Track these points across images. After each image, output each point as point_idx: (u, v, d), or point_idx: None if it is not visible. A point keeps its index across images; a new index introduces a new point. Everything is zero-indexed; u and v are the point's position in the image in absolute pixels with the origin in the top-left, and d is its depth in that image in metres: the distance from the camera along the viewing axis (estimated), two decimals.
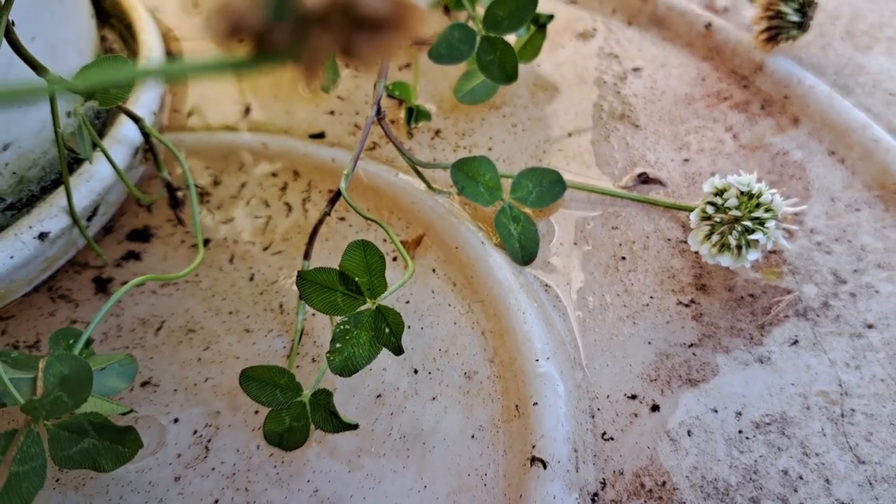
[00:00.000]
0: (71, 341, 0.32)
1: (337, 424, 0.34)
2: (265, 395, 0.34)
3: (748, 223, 0.35)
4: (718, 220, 0.36)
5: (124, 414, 0.32)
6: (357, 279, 0.31)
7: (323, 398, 0.34)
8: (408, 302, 0.40)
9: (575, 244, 0.42)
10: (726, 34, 0.49)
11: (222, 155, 0.46)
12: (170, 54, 0.52)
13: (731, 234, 0.36)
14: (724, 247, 0.36)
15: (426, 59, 0.51)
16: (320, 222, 0.38)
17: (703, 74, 0.49)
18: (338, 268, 0.31)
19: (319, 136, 0.47)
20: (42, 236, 0.37)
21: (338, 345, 0.32)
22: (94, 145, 0.38)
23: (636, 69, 0.50)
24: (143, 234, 0.43)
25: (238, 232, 0.43)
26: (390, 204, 0.44)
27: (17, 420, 0.28)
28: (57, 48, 0.38)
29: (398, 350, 0.31)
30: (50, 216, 0.37)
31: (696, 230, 0.37)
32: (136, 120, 0.39)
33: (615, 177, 0.44)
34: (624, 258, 0.41)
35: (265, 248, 0.42)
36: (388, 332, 0.32)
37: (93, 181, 0.39)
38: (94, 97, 0.34)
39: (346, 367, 0.32)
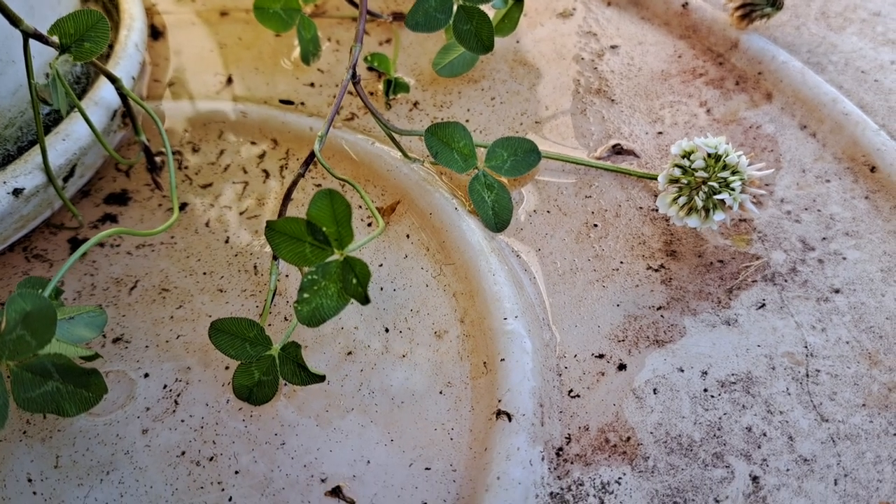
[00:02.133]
0: (39, 290, 0.32)
1: (305, 377, 0.34)
2: (234, 348, 0.34)
3: (714, 184, 0.36)
4: (686, 182, 0.37)
5: (89, 359, 0.32)
6: (324, 229, 0.32)
7: (292, 351, 0.34)
8: (381, 265, 0.40)
9: (548, 212, 0.42)
10: (702, 13, 0.50)
11: (202, 123, 0.47)
12: (153, 27, 0.52)
13: (698, 195, 0.36)
14: (691, 209, 0.37)
15: (406, 34, 0.52)
16: (294, 184, 0.39)
17: (680, 52, 0.49)
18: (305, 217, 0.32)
19: (288, 102, 0.47)
20: (16, 192, 0.37)
21: (306, 295, 0.32)
22: (72, 106, 0.38)
23: (614, 47, 0.50)
24: (120, 198, 0.43)
25: (215, 197, 0.43)
26: (367, 172, 0.44)
27: None
28: (36, 8, 0.39)
29: (365, 300, 0.32)
30: (25, 172, 0.38)
31: (664, 193, 0.38)
32: (113, 80, 0.39)
33: (590, 148, 0.45)
34: (596, 225, 0.41)
35: (241, 213, 0.43)
36: (355, 282, 0.32)
37: (69, 140, 0.39)
38: (68, 51, 0.34)
39: (314, 318, 0.32)
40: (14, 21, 0.32)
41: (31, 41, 0.33)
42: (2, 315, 0.28)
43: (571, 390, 0.35)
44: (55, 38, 0.34)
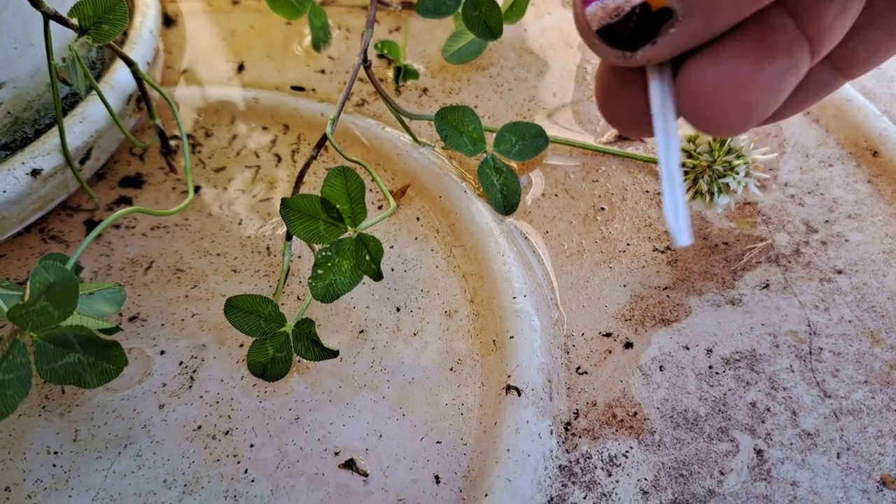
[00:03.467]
0: (60, 265, 0.33)
1: (319, 353, 0.35)
2: (249, 325, 0.35)
3: (719, 168, 0.37)
4: (692, 166, 0.38)
5: (110, 332, 0.33)
6: (338, 206, 0.32)
7: (306, 327, 0.35)
8: (392, 247, 0.41)
9: (556, 195, 0.43)
10: None
11: (215, 109, 0.47)
12: (166, 15, 0.53)
13: (703, 179, 0.37)
14: (696, 193, 0.37)
15: (416, 22, 0.52)
16: (307, 166, 0.39)
17: None
18: (319, 194, 0.32)
19: (299, 89, 0.48)
20: (34, 173, 0.38)
21: (320, 271, 0.33)
22: (89, 88, 0.39)
23: None
24: (135, 181, 0.44)
25: (228, 180, 0.44)
26: (377, 156, 0.45)
27: (4, 335, 0.29)
28: None
29: (377, 276, 0.32)
30: (43, 153, 0.38)
31: None
32: (129, 63, 0.40)
33: (597, 134, 0.46)
34: (603, 208, 0.42)
35: (254, 196, 0.43)
36: (368, 259, 0.33)
37: (86, 123, 0.40)
38: (87, 33, 0.35)
39: (328, 294, 0.33)
40: (36, 2, 0.33)
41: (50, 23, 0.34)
42: (25, 288, 0.29)
43: (579, 367, 0.36)
44: (74, 21, 0.35)
